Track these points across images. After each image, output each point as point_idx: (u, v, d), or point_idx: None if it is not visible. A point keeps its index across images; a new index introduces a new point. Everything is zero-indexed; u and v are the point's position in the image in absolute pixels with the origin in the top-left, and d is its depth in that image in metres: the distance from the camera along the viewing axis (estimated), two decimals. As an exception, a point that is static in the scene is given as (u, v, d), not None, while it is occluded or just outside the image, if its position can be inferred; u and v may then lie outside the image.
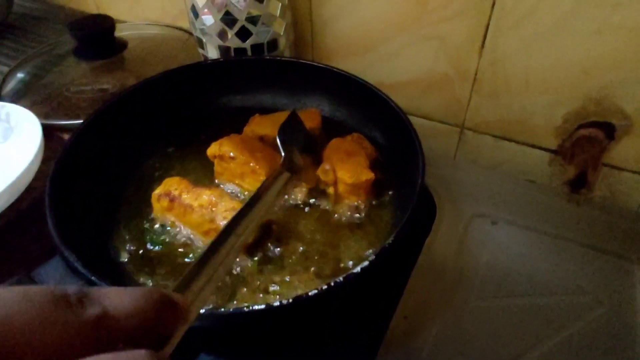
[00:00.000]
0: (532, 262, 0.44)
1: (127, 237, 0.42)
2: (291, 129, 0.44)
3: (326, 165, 0.44)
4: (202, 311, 0.29)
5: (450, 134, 0.63)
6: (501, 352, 0.37)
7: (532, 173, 0.59)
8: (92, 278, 0.31)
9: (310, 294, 0.29)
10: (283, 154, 0.40)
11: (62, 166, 0.40)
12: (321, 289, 0.29)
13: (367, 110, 0.52)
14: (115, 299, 0.15)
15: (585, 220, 0.48)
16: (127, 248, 0.41)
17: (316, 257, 0.40)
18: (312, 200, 0.45)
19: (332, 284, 0.29)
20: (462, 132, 0.62)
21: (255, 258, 0.39)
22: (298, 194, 0.45)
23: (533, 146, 0.58)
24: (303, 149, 0.43)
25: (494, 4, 0.50)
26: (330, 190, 0.44)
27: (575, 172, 0.57)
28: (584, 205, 0.50)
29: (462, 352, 0.37)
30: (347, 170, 0.43)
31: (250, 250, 0.39)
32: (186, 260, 0.40)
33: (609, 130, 0.52)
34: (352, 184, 0.43)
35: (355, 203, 0.44)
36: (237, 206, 0.39)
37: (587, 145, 0.54)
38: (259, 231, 0.39)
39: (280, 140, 0.41)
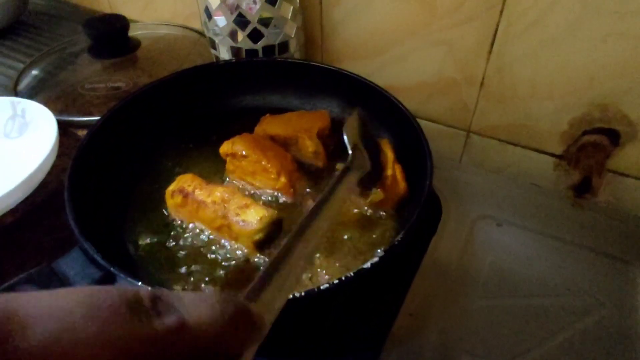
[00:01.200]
0: (536, 263, 0.45)
1: (141, 232, 0.43)
2: (357, 126, 0.41)
3: (392, 164, 0.44)
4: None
5: (456, 138, 0.64)
6: (504, 350, 0.38)
7: (537, 177, 0.60)
8: (112, 269, 0.32)
9: (321, 287, 0.30)
10: (350, 151, 0.38)
11: (80, 162, 0.42)
12: (332, 283, 0.30)
13: (376, 113, 0.53)
14: (192, 306, 0.13)
15: (588, 224, 0.49)
16: (142, 243, 0.42)
17: (323, 253, 0.41)
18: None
19: (343, 278, 0.30)
20: (469, 135, 0.63)
21: (261, 256, 0.40)
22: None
23: (538, 151, 0.59)
24: (368, 148, 0.41)
25: (502, 10, 0.51)
26: (379, 193, 0.44)
27: (580, 177, 0.58)
28: (587, 210, 0.51)
29: (466, 350, 0.38)
30: (404, 179, 0.44)
31: (260, 246, 0.40)
32: (201, 256, 0.41)
33: (614, 137, 0.53)
34: (405, 193, 0.44)
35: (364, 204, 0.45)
36: (249, 203, 0.40)
37: (592, 151, 0.55)
38: (270, 227, 0.40)
39: (346, 137, 0.39)
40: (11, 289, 0.30)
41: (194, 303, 0.13)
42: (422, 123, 0.46)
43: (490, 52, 0.54)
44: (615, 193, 0.56)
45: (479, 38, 0.54)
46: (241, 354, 0.14)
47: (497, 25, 0.52)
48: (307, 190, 0.46)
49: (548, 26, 0.49)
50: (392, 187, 0.44)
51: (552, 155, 0.58)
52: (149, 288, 0.13)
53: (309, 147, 0.48)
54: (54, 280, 0.31)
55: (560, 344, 0.38)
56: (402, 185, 0.44)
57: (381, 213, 0.45)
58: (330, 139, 0.52)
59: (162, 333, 0.12)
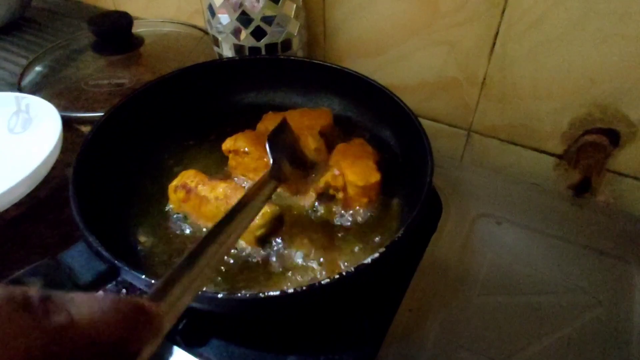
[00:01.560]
0: (535, 261, 0.45)
1: (144, 226, 0.44)
2: (281, 138, 0.42)
3: (335, 171, 0.45)
4: (219, 295, 0.31)
5: (457, 137, 0.64)
6: (502, 346, 0.39)
7: (537, 177, 0.61)
8: (116, 262, 0.32)
9: (323, 282, 0.30)
10: (271, 162, 0.38)
11: (84, 157, 0.42)
12: (333, 277, 0.30)
13: (378, 111, 0.53)
14: (83, 306, 0.14)
15: (587, 223, 0.49)
16: (145, 237, 0.43)
17: (326, 252, 0.41)
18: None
19: (344, 273, 0.31)
20: (470, 135, 0.63)
21: (262, 251, 0.41)
22: (307, 200, 0.46)
23: (539, 150, 0.59)
24: (292, 159, 0.42)
25: (504, 10, 0.51)
26: (340, 195, 0.45)
27: (580, 177, 0.58)
28: (586, 209, 0.52)
29: (464, 346, 0.39)
30: (356, 173, 0.44)
31: (262, 241, 0.40)
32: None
33: (614, 137, 0.53)
34: (363, 187, 0.44)
35: (364, 205, 0.45)
36: (252, 199, 0.40)
37: (592, 151, 0.56)
38: (272, 223, 0.40)
39: (269, 147, 0.39)
40: (19, 280, 0.31)
41: (86, 303, 0.14)
42: (424, 122, 0.46)
43: (491, 51, 0.55)
44: (615, 193, 0.57)
45: (480, 38, 0.55)
46: (139, 352, 0.15)
47: (499, 25, 0.53)
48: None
49: (549, 26, 0.50)
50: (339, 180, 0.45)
51: (553, 155, 0.59)
52: (39, 289, 0.14)
53: (311, 144, 0.49)
54: (59, 272, 0.32)
55: (558, 341, 0.39)
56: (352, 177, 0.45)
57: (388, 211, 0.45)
58: (332, 136, 0.52)
59: (50, 331, 0.13)
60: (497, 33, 0.53)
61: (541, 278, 0.44)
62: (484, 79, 0.57)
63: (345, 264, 0.40)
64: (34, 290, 0.13)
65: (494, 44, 0.54)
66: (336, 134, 0.53)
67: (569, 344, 0.39)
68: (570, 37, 0.49)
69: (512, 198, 0.52)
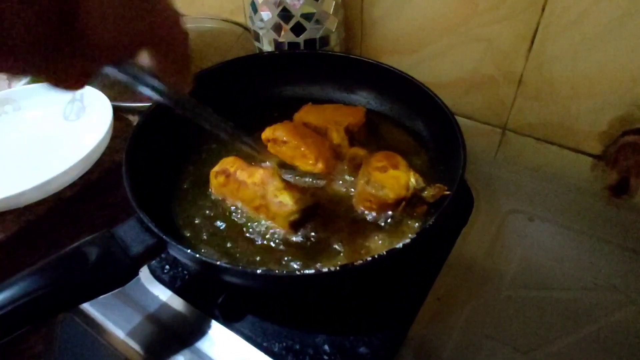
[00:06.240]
0: (566, 258, 0.45)
1: (186, 208, 0.47)
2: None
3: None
4: (258, 271, 0.33)
5: (491, 135, 0.64)
6: (528, 338, 0.39)
7: (573, 177, 0.60)
8: (164, 237, 0.35)
9: (356, 263, 0.32)
10: None
11: (135, 141, 0.45)
12: (366, 260, 0.32)
13: (414, 106, 0.54)
14: None
15: (623, 223, 0.49)
16: (186, 218, 0.45)
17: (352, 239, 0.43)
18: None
19: (377, 256, 0.32)
20: (504, 133, 0.63)
21: (295, 236, 0.42)
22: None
23: (576, 150, 0.59)
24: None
25: (544, 8, 0.51)
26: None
27: (618, 178, 0.57)
28: (623, 209, 0.51)
29: (490, 335, 0.39)
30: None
31: (295, 226, 0.42)
32: (240, 232, 0.44)
33: (655, 138, 0.52)
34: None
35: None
36: (288, 185, 0.42)
37: (632, 152, 0.55)
38: (305, 210, 0.42)
39: None
40: (79, 248, 0.34)
41: None
42: (458, 120, 0.47)
43: (530, 49, 0.55)
44: (654, 195, 0.55)
45: (519, 35, 0.55)
46: None
47: (538, 23, 0.53)
48: (346, 176, 0.48)
49: (590, 24, 0.49)
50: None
51: (590, 155, 0.58)
52: None
53: (334, 139, 0.50)
54: (113, 243, 0.35)
55: (586, 337, 0.39)
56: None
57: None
58: (359, 135, 0.53)
59: None
60: (536, 30, 0.53)
61: (572, 274, 0.44)
62: (521, 77, 0.57)
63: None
64: None
65: (533, 41, 0.54)
66: (363, 134, 0.54)
67: (598, 341, 0.39)
68: (611, 36, 0.49)
69: (546, 196, 0.52)
